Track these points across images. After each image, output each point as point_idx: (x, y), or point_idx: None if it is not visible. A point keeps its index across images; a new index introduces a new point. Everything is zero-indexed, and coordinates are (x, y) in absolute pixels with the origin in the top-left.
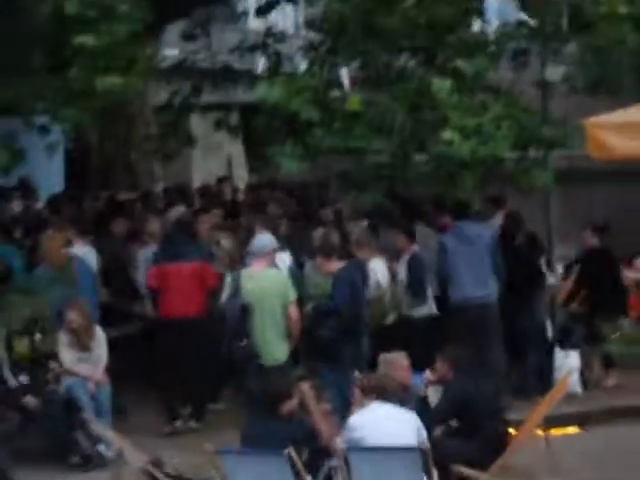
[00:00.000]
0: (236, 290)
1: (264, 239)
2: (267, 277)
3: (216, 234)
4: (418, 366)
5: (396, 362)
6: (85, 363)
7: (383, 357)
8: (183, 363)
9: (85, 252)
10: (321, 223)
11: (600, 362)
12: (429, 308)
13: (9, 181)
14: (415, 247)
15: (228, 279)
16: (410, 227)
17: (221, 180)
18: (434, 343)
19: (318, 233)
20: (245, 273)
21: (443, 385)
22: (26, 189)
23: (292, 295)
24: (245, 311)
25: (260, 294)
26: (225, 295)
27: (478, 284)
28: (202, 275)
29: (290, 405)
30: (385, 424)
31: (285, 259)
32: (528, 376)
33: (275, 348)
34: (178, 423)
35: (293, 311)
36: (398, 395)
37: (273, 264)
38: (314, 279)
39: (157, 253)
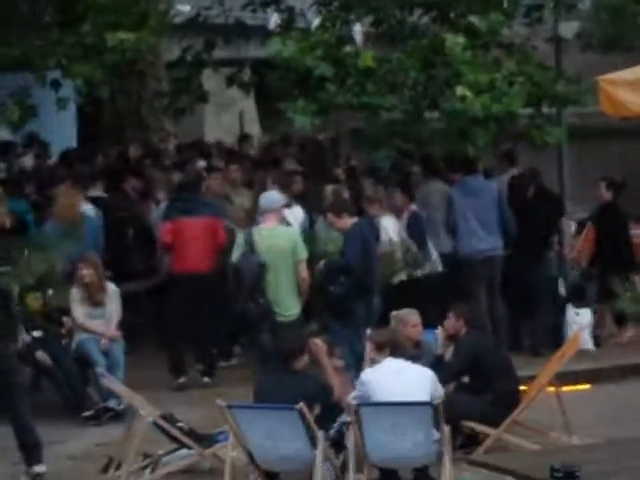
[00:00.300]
0: (251, 247)
1: (273, 195)
2: (279, 234)
3: (230, 191)
4: (429, 323)
5: (407, 318)
6: (98, 319)
7: (394, 314)
8: (195, 319)
9: (86, 209)
10: (334, 180)
11: (612, 319)
12: (432, 265)
13: (22, 137)
14: (413, 206)
15: (240, 236)
16: (409, 185)
17: (242, 138)
18: (442, 299)
19: (329, 190)
20: (257, 230)
21: (455, 341)
22: (38, 145)
23: (303, 253)
24: (261, 268)
25: (272, 251)
26: (237, 252)
27: (484, 237)
28: (214, 231)
29: (303, 361)
30: (397, 379)
31: (298, 214)
32: (539, 333)
33: (288, 304)
34: (182, 379)
35: (303, 269)
36: (410, 351)
37: (282, 220)
38: (325, 235)
39: (168, 209)
